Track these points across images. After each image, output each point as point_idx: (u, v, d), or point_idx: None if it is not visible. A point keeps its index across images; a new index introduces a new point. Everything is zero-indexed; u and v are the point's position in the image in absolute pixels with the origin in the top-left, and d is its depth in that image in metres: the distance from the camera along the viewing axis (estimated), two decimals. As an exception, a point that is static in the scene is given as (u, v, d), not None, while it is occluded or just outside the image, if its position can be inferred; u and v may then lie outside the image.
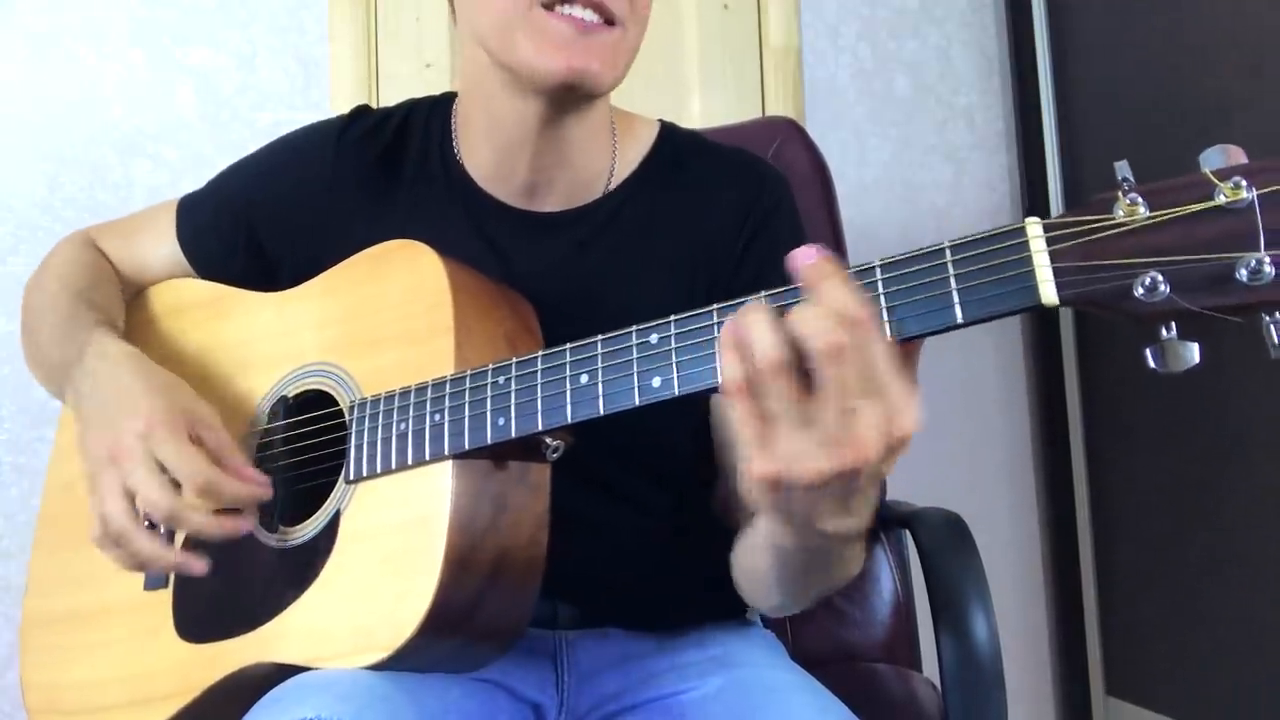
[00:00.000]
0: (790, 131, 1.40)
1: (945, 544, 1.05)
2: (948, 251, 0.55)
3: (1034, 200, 1.86)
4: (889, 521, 1.28)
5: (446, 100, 1.01)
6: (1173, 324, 0.51)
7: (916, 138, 1.91)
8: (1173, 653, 1.59)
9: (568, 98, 0.86)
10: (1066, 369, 1.81)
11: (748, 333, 0.54)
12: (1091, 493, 1.77)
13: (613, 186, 0.96)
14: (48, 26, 1.76)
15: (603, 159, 0.96)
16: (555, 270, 0.93)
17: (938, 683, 1.01)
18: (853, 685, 0.91)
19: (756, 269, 0.94)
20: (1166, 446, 1.60)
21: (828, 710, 0.79)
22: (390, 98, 1.04)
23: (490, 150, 0.94)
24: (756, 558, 0.75)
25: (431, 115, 1.00)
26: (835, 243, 1.36)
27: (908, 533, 1.15)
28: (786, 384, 0.53)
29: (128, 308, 1.02)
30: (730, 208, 0.95)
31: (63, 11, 1.76)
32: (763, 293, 0.59)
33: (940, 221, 1.89)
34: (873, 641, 1.26)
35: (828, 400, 0.53)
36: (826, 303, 0.53)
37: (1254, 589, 1.40)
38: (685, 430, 0.98)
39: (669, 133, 1.01)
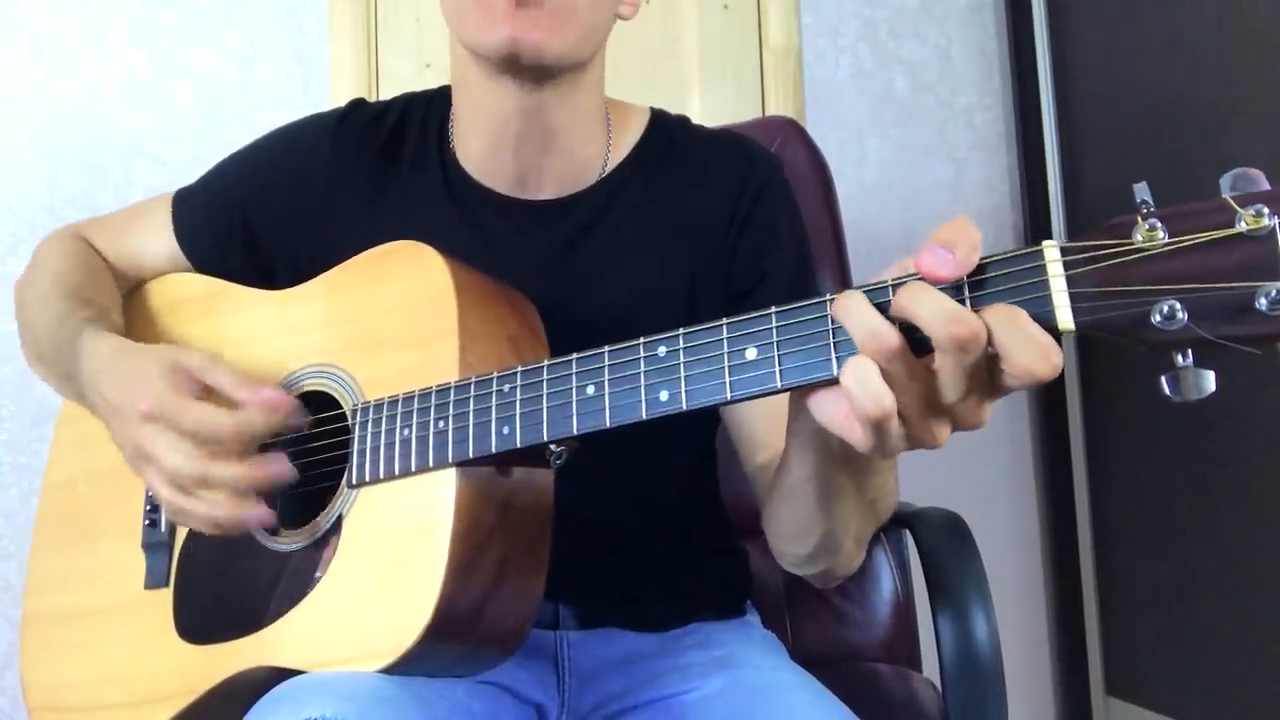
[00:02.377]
0: (790, 131, 1.40)
1: (945, 544, 1.05)
2: (963, 275, 0.54)
3: (1034, 201, 1.86)
4: (889, 521, 1.28)
5: (443, 94, 1.00)
6: (1188, 351, 0.50)
7: (916, 138, 1.91)
8: (1173, 653, 1.59)
9: (521, 71, 0.85)
10: (1067, 367, 1.81)
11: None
12: (1091, 493, 1.77)
13: (605, 174, 0.96)
14: (48, 26, 1.75)
15: (594, 147, 0.95)
16: (549, 258, 0.93)
17: (938, 683, 1.01)
18: (853, 685, 0.91)
19: (755, 247, 0.94)
20: (1166, 446, 1.60)
21: (828, 710, 0.79)
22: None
23: (479, 142, 0.94)
24: (795, 470, 0.71)
25: (429, 109, 1.00)
26: (835, 243, 1.36)
27: (908, 533, 1.15)
28: None
29: (125, 302, 1.01)
30: (721, 189, 0.95)
31: (63, 11, 1.76)
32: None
33: (940, 222, 1.87)
34: (873, 641, 1.26)
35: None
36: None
37: (1254, 589, 1.40)
38: (688, 432, 0.98)
39: (659, 119, 1.01)
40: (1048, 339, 0.51)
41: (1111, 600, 1.73)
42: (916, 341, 0.54)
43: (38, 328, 0.97)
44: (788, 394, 0.62)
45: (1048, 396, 1.85)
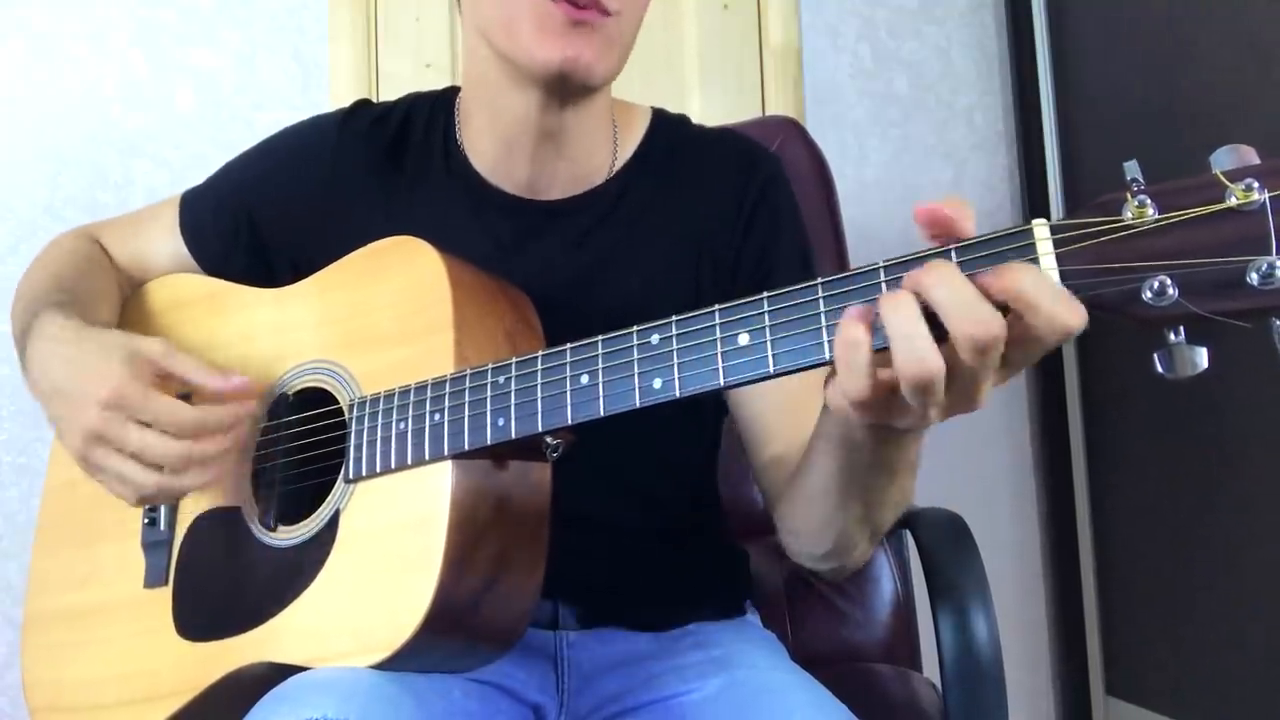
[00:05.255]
0: (790, 131, 1.40)
1: (945, 544, 1.05)
2: (953, 253, 0.54)
3: (1034, 201, 1.86)
4: (889, 521, 1.28)
5: (448, 95, 1.01)
6: (1180, 328, 0.50)
7: (916, 138, 1.91)
8: (1173, 653, 1.59)
9: (564, 89, 0.86)
10: (1067, 367, 1.81)
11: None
12: (1091, 492, 1.77)
13: (612, 175, 0.96)
14: (48, 26, 1.76)
15: (604, 150, 0.96)
16: (558, 259, 0.93)
17: (938, 683, 1.01)
18: (853, 685, 0.91)
19: (761, 244, 0.95)
20: (1167, 445, 1.60)
21: (827, 711, 0.79)
22: (390, 98, 1.04)
23: (492, 144, 0.94)
24: (818, 474, 0.74)
25: (434, 109, 1.00)
26: (835, 243, 1.36)
27: (908, 533, 1.15)
28: None
29: (125, 303, 1.01)
30: (725, 187, 0.96)
31: (63, 11, 1.76)
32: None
33: (940, 222, 1.88)
34: (873, 641, 1.26)
35: None
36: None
37: (1254, 588, 1.40)
38: (687, 430, 0.98)
39: (660, 119, 1.01)
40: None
41: (1111, 600, 1.73)
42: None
43: (14, 310, 0.97)
44: (811, 390, 0.62)
45: (1047, 396, 1.85)
